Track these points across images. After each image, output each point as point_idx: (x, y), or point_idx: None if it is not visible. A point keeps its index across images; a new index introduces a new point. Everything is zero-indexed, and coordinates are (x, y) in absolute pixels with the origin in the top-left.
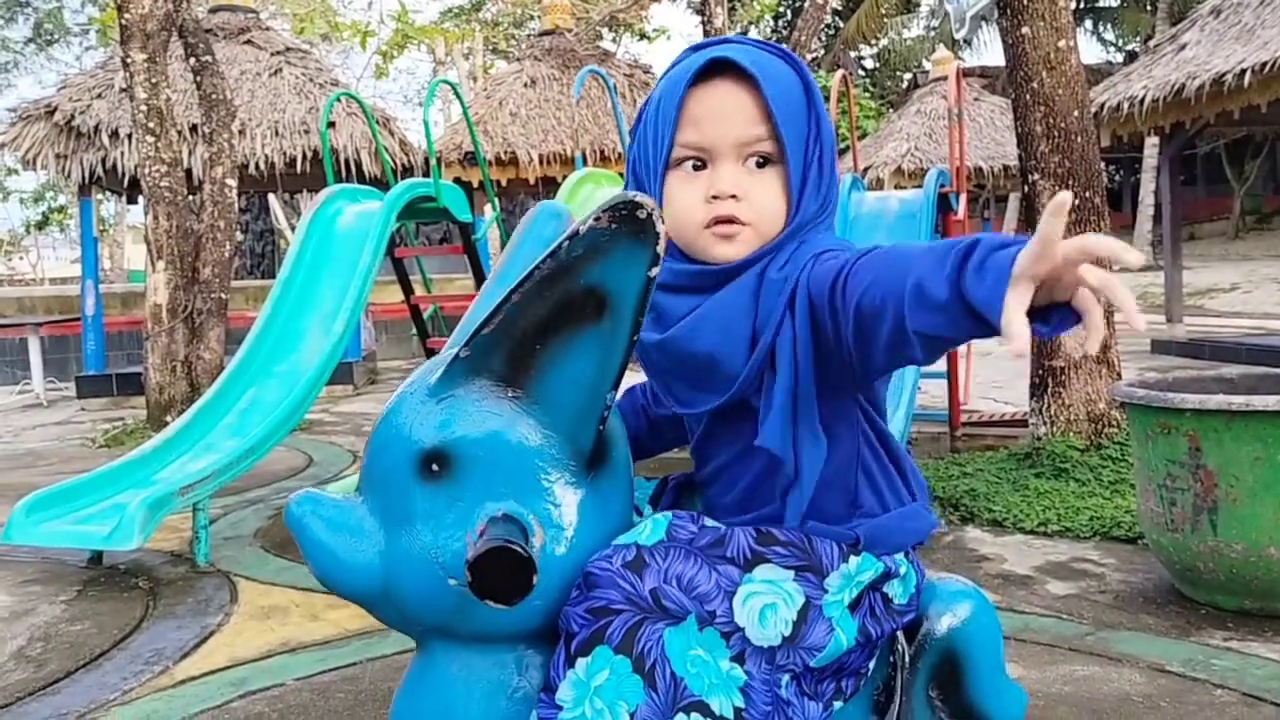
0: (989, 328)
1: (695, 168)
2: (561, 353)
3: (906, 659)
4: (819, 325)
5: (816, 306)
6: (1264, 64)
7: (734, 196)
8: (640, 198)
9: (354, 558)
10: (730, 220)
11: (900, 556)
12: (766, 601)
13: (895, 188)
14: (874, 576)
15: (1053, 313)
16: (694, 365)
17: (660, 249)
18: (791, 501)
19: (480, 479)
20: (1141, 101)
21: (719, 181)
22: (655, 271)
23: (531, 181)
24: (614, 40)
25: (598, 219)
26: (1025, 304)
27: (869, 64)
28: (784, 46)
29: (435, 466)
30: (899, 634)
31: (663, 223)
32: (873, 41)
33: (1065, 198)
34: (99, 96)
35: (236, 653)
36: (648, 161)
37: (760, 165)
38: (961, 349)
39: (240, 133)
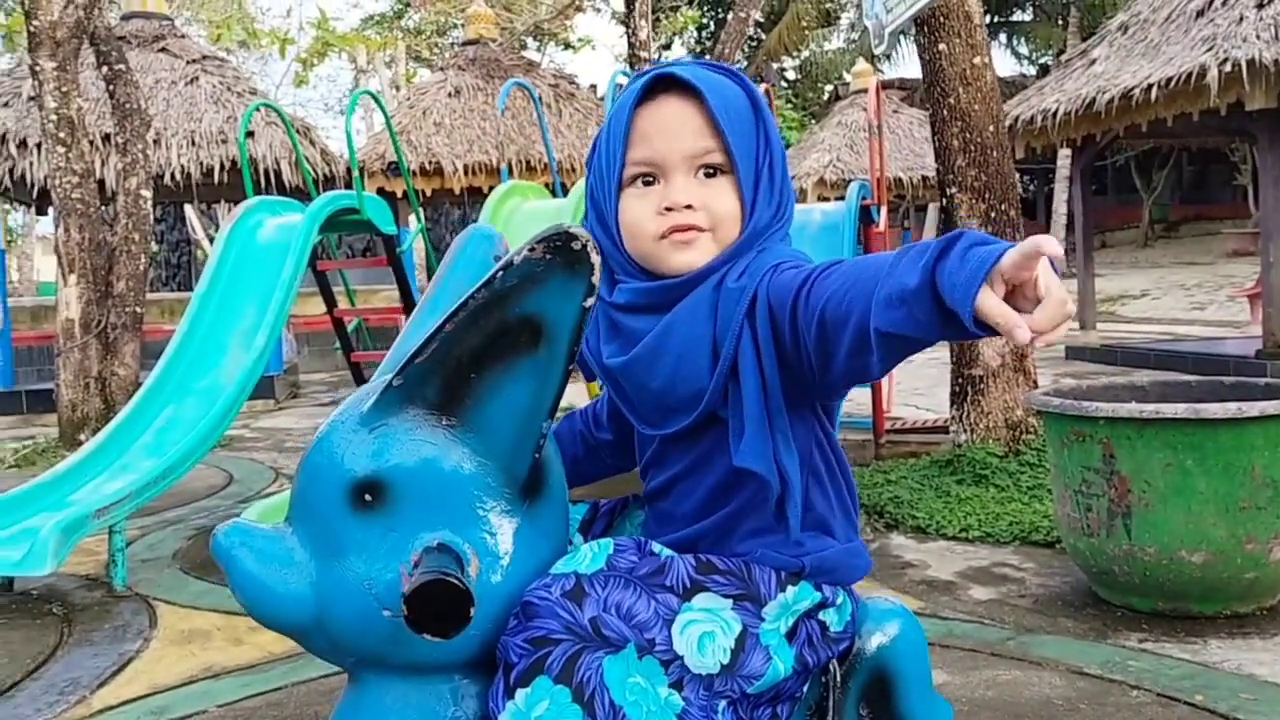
0: (953, 323)
1: (646, 183)
2: (497, 382)
3: (838, 679)
4: (779, 335)
5: (776, 316)
6: (1169, 79)
7: (689, 206)
8: (574, 229)
9: (285, 589)
10: (687, 229)
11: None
12: (705, 630)
13: (819, 198)
14: (810, 605)
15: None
16: (659, 386)
17: (595, 280)
18: (791, 515)
19: (414, 509)
20: (1054, 115)
21: (672, 193)
22: (590, 302)
23: (457, 192)
24: (539, 50)
25: (532, 249)
26: (999, 300)
27: (791, 75)
28: (727, 65)
29: (368, 496)
30: (833, 659)
31: (598, 253)
32: (795, 53)
33: (1047, 249)
34: (5, 105)
35: (156, 680)
36: (603, 184)
37: (710, 175)
38: None
39: (155, 142)
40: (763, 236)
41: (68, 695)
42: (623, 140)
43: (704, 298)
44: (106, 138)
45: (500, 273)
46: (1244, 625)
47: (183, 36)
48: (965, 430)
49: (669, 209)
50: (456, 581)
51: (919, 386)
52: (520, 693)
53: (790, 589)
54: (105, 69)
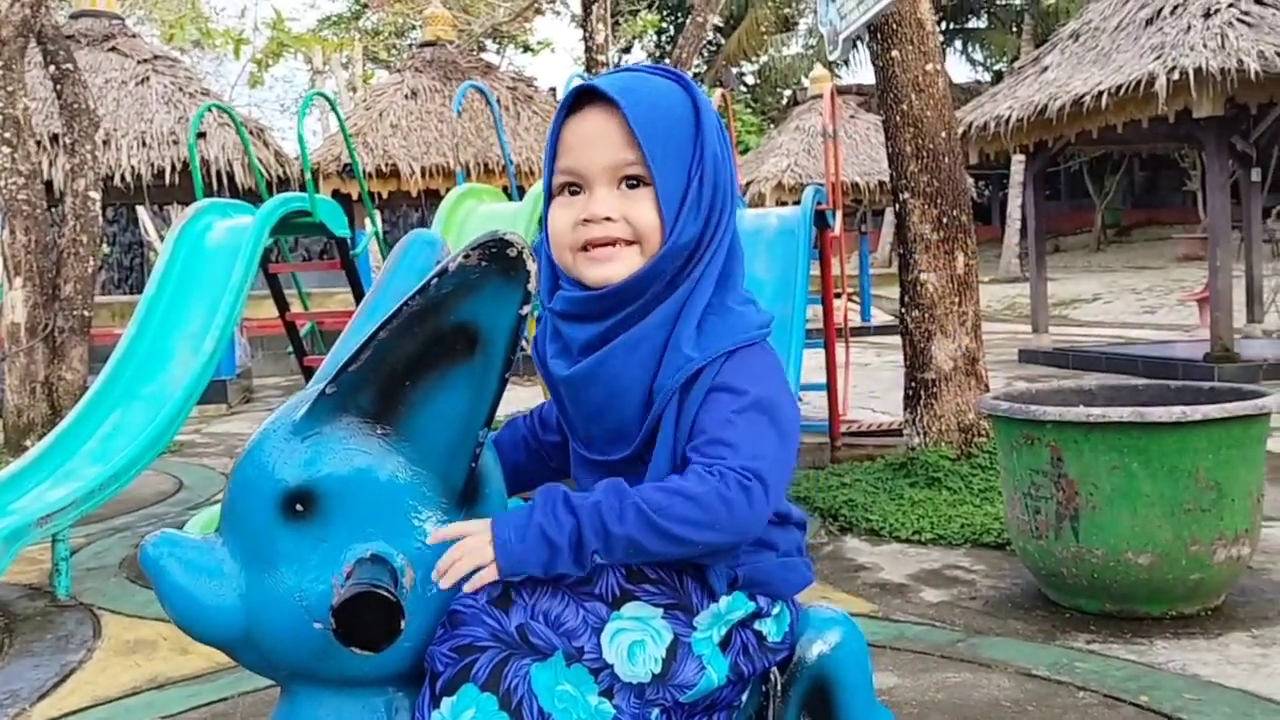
0: None
1: (573, 193)
2: (432, 389)
3: (779, 688)
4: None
5: (689, 423)
6: (1119, 86)
7: (607, 218)
8: (510, 235)
9: (214, 600)
10: (607, 243)
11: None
12: (635, 639)
13: (777, 203)
14: (745, 615)
15: None
16: (589, 411)
17: (531, 287)
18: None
19: (347, 519)
20: (1007, 121)
21: (591, 205)
22: (526, 309)
23: (414, 194)
24: (498, 52)
25: (467, 256)
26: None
27: (750, 80)
28: (680, 72)
29: (300, 506)
30: (772, 667)
31: (534, 260)
32: (753, 58)
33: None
34: None
35: (99, 691)
36: (545, 192)
37: (632, 186)
38: (840, 359)
39: (105, 143)
40: (689, 250)
41: (6, 708)
42: (551, 151)
43: (648, 335)
44: (54, 138)
45: (435, 279)
46: (1189, 626)
47: (134, 36)
48: (919, 433)
49: (587, 220)
50: (387, 593)
51: (874, 389)
52: (446, 701)
53: (723, 598)
54: (53, 68)
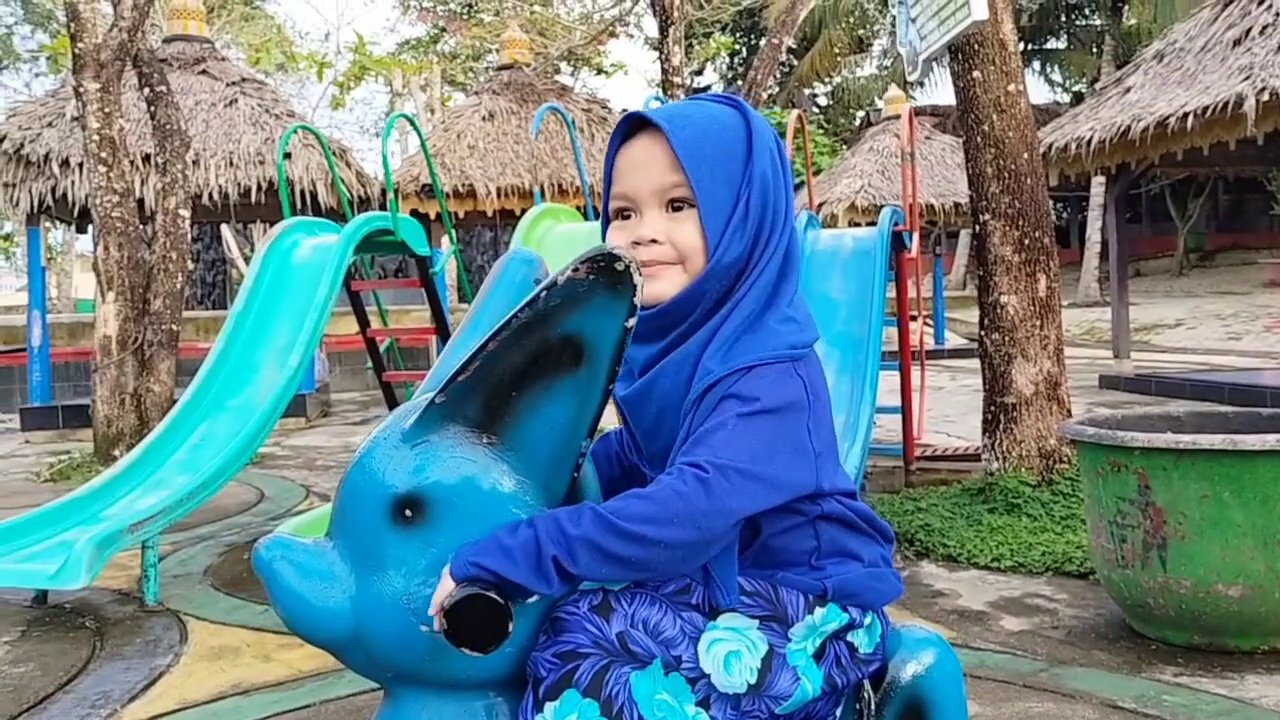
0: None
1: (624, 217)
2: (537, 400)
3: (872, 706)
4: None
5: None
6: (1205, 108)
7: (654, 240)
8: (618, 249)
9: (324, 603)
10: (650, 264)
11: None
12: (730, 649)
13: (849, 224)
14: (839, 627)
15: None
16: (645, 430)
17: (637, 300)
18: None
19: (454, 525)
20: (1088, 143)
21: (639, 228)
22: (632, 322)
23: (489, 214)
24: (573, 75)
25: (576, 270)
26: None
27: (822, 101)
28: (737, 97)
29: (409, 512)
30: (865, 681)
31: (640, 274)
32: (826, 80)
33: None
34: (49, 125)
35: (186, 695)
36: (603, 217)
37: (678, 209)
38: (915, 382)
39: (194, 163)
40: (736, 270)
41: (99, 709)
42: (608, 178)
43: (690, 355)
44: (147, 158)
45: (544, 292)
46: None
47: (223, 59)
48: (998, 458)
49: (635, 243)
50: (495, 597)
51: (949, 414)
52: (549, 706)
53: (818, 610)
54: (147, 90)
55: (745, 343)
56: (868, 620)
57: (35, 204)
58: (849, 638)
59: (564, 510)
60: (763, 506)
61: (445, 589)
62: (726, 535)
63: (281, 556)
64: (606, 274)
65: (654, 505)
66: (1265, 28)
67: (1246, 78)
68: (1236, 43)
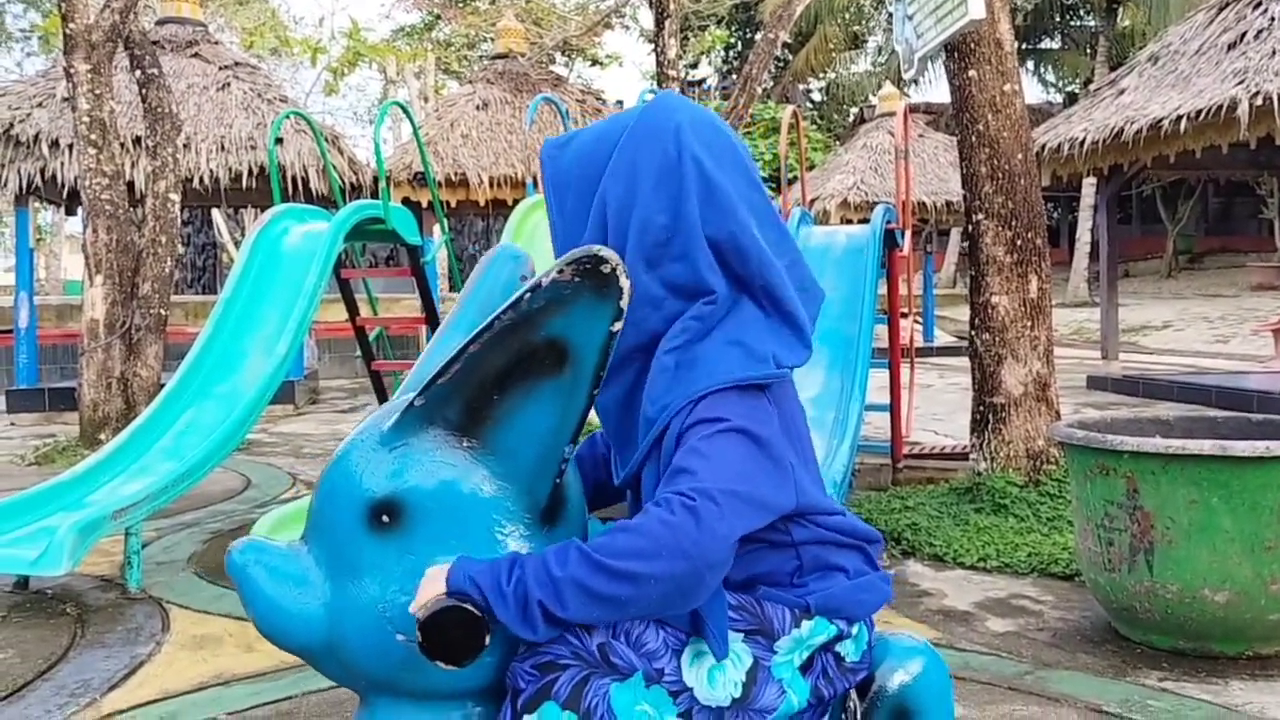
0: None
1: None
2: (520, 403)
3: (858, 715)
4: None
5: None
6: (1199, 111)
7: None
8: (604, 252)
9: (297, 608)
10: None
11: None
12: (714, 662)
13: (841, 220)
14: (827, 639)
15: None
16: (616, 438)
17: (623, 304)
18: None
19: (432, 531)
20: (1081, 143)
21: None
22: (618, 326)
23: (481, 204)
24: (567, 65)
25: (560, 271)
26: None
27: (816, 97)
28: (649, 103)
29: (385, 517)
30: (851, 691)
31: (626, 278)
32: (821, 75)
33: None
34: (40, 105)
35: (167, 684)
36: None
37: None
38: (904, 380)
39: (185, 147)
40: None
41: (78, 697)
42: None
43: (636, 377)
44: (137, 140)
45: (528, 294)
46: (1267, 667)
47: (216, 43)
48: (985, 458)
49: None
50: (472, 608)
51: (937, 411)
52: (527, 718)
53: (805, 623)
54: (139, 73)
55: (680, 377)
56: (855, 630)
57: (24, 185)
58: (836, 648)
59: (552, 550)
60: (752, 527)
61: (434, 591)
62: (719, 565)
63: (255, 560)
64: (592, 276)
65: (641, 538)
66: (1260, 32)
67: (1240, 82)
68: (1231, 46)
